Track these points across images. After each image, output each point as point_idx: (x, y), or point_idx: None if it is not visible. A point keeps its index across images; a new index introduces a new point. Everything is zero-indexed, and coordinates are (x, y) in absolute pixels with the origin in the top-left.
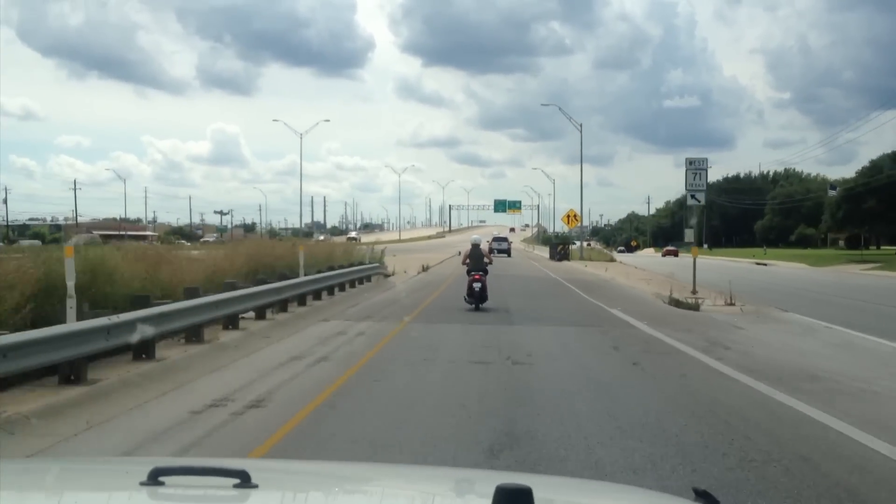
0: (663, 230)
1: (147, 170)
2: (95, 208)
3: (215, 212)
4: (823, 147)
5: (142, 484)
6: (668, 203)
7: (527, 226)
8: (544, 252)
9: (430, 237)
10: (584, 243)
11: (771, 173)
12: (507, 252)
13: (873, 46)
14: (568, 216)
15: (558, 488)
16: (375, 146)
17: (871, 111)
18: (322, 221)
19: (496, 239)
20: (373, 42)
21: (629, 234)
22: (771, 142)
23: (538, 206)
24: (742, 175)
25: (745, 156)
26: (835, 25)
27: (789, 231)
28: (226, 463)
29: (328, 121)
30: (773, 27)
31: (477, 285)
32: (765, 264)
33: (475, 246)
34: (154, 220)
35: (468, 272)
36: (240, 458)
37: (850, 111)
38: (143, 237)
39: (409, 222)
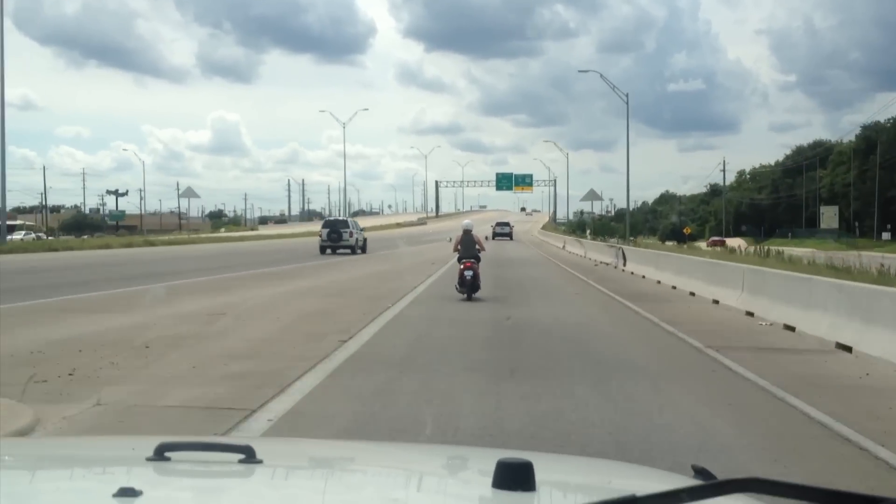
0: (759, 210)
1: (148, 159)
2: (93, 198)
3: (108, 192)
4: None
5: (148, 459)
6: (741, 174)
7: (535, 210)
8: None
9: (399, 225)
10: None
11: None
12: (509, 235)
13: (880, 27)
14: None
15: (556, 464)
16: (376, 134)
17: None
18: (315, 208)
19: (498, 224)
20: (374, 27)
21: (679, 220)
22: (776, 125)
23: (555, 180)
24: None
25: (751, 139)
26: (841, 5)
27: None
28: (231, 440)
29: None
30: (777, 8)
31: (468, 273)
32: None
33: (466, 232)
34: (45, 208)
35: (459, 259)
36: (244, 436)
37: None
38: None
39: (390, 207)
